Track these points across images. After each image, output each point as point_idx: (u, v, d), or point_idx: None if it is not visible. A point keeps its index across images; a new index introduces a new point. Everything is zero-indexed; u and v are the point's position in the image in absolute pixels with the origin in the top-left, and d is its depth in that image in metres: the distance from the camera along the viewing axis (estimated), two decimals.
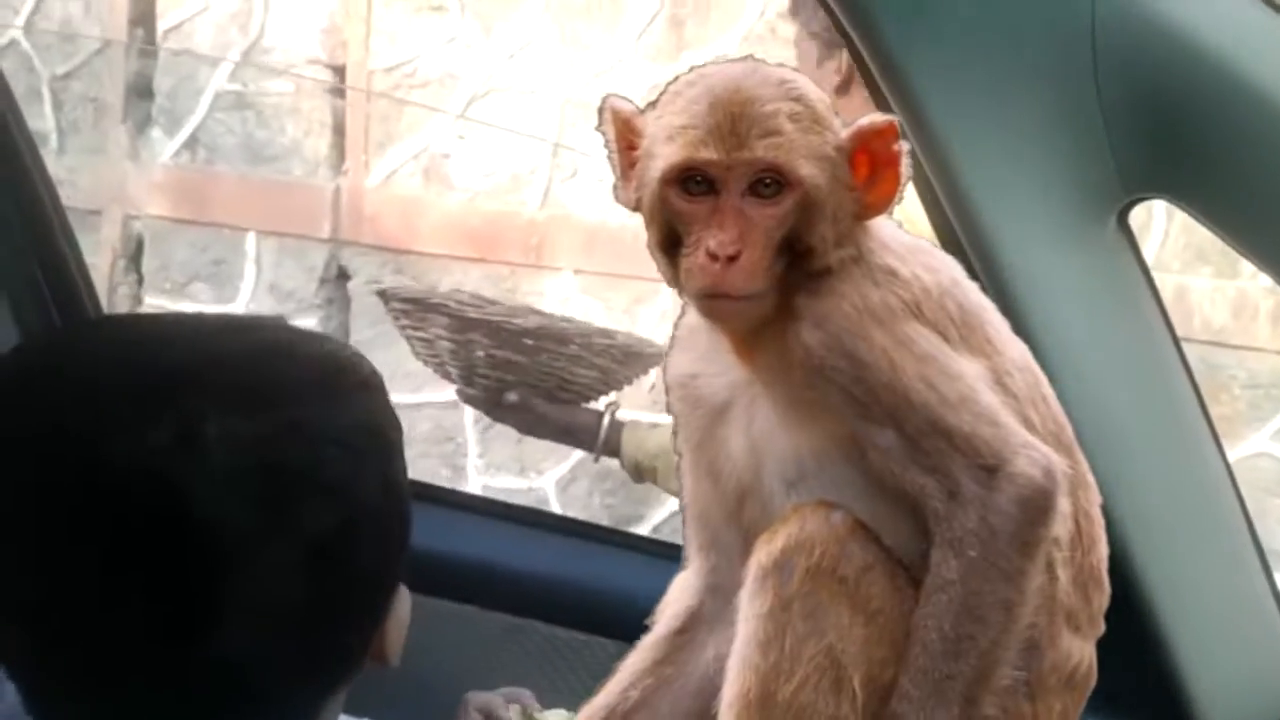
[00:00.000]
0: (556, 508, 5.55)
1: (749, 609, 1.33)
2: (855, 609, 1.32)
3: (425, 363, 3.04)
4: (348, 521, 1.21)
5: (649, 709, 1.42)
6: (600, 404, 3.03)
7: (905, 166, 1.34)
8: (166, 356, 1.22)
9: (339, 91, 5.97)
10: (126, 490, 1.16)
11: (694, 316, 1.39)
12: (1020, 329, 1.50)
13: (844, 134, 1.34)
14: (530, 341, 2.92)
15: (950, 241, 1.65)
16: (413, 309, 2.99)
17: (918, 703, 1.30)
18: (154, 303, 6.37)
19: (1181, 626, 1.73)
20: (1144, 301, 1.74)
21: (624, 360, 2.97)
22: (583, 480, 5.58)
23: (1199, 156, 1.64)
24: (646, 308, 5.36)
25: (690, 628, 1.44)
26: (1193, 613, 1.75)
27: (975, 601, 1.29)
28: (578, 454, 5.47)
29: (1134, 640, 1.68)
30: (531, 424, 3.05)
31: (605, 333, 3.08)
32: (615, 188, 1.38)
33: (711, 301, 1.33)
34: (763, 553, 1.33)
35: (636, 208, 1.37)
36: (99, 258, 6.41)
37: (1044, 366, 1.42)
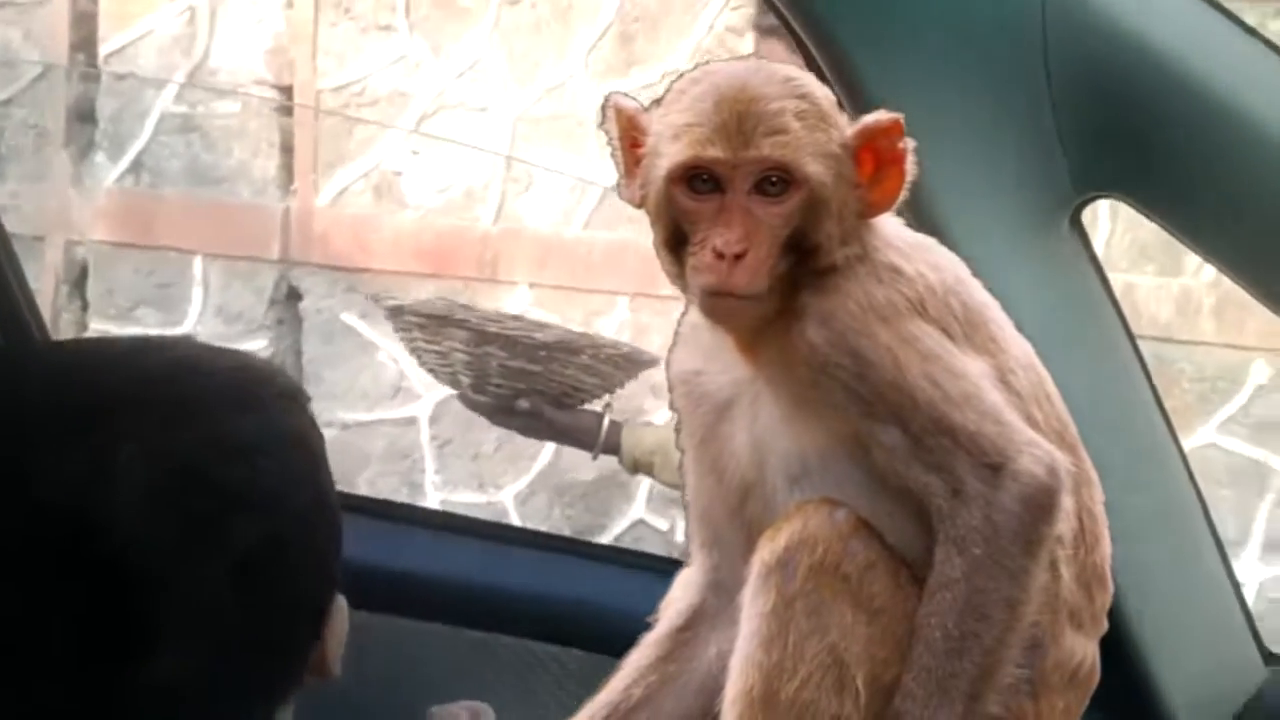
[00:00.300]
0: (516, 522, 5.54)
1: (752, 607, 1.32)
2: (858, 607, 1.31)
3: (432, 372, 3.31)
4: (276, 536, 1.19)
5: (652, 706, 1.41)
6: (598, 406, 3.21)
7: (910, 164, 1.34)
8: (80, 381, 1.20)
9: (286, 112, 5.96)
10: (46, 519, 1.14)
11: (697, 314, 1.38)
12: None
13: (849, 131, 1.34)
14: (544, 353, 3.14)
15: None
16: (429, 323, 3.24)
17: (921, 701, 1.29)
18: (99, 328, 6.31)
19: (1145, 619, 1.74)
20: (1099, 300, 1.75)
21: (625, 366, 3.17)
22: (541, 494, 5.59)
23: (1151, 155, 1.65)
24: (603, 319, 5.38)
25: (693, 625, 1.43)
26: (1156, 605, 1.75)
27: (979, 599, 1.29)
28: (537, 468, 5.49)
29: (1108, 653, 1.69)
30: (536, 428, 3.29)
31: (613, 343, 3.35)
32: (619, 185, 1.38)
33: (716, 300, 1.32)
34: (766, 550, 1.32)
35: (641, 205, 1.36)
36: (43, 283, 6.34)
37: None
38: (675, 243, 1.33)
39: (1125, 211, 1.75)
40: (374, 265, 5.83)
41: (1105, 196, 1.70)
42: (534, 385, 3.12)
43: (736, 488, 1.39)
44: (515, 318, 3.34)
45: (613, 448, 3.23)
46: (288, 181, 6.03)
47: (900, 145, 1.34)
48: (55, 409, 1.17)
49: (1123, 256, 4.95)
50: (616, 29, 5.56)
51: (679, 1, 5.55)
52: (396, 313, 3.34)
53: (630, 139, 1.36)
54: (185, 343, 1.31)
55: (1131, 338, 1.77)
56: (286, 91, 6.01)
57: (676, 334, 1.42)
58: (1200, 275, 4.92)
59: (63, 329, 6.30)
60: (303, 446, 1.24)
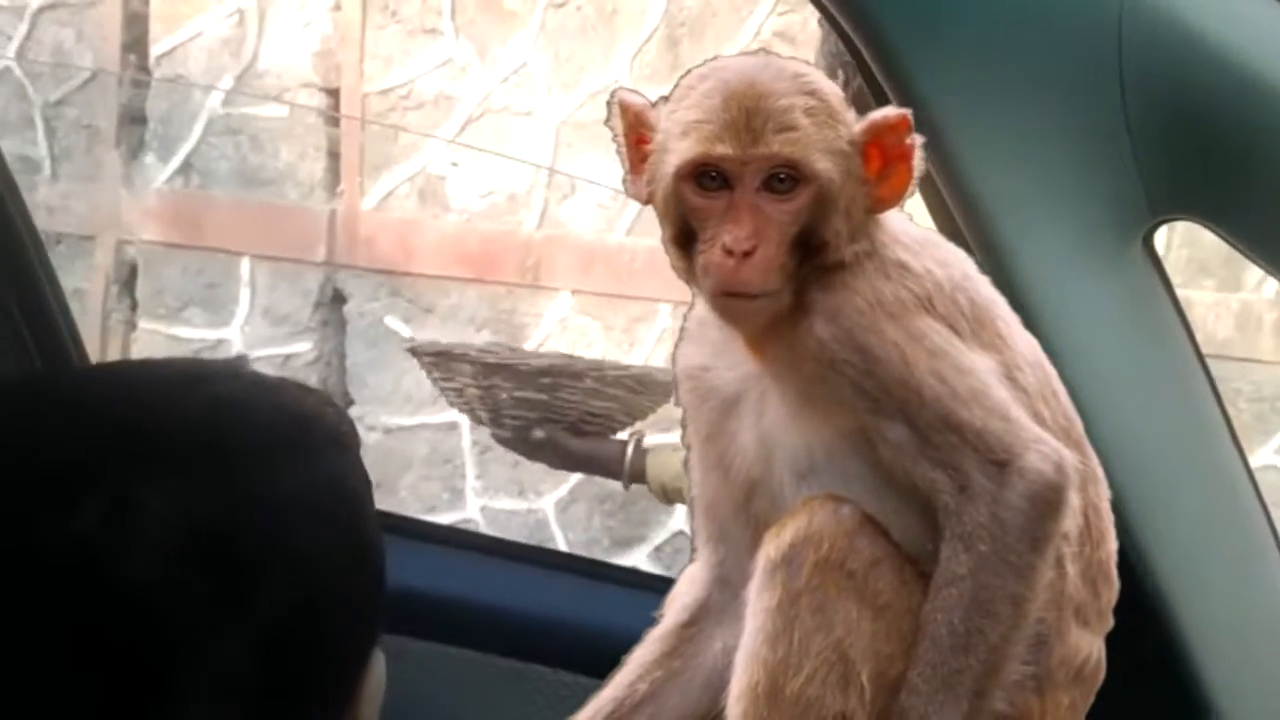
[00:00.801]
0: (556, 530, 5.54)
1: (757, 603, 1.32)
2: (863, 603, 1.31)
3: (459, 410, 3.27)
4: (310, 601, 1.08)
5: (657, 702, 1.42)
6: (625, 435, 3.19)
7: (918, 159, 1.34)
8: (100, 417, 1.08)
9: (332, 122, 5.97)
10: (52, 576, 1.02)
11: (704, 309, 1.38)
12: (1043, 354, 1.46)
13: (857, 127, 1.33)
14: (547, 380, 3.14)
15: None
16: (440, 360, 3.25)
17: (926, 696, 1.29)
18: (148, 327, 6.36)
19: (1210, 638, 1.70)
20: (1171, 323, 1.70)
21: (641, 389, 3.15)
22: (582, 502, 5.57)
23: (1229, 176, 1.59)
24: (645, 326, 5.36)
25: (698, 620, 1.43)
26: (1222, 624, 1.72)
27: (985, 596, 1.29)
28: (577, 476, 5.47)
29: (1164, 657, 1.65)
30: (561, 458, 3.27)
31: (618, 365, 3.30)
32: (624, 181, 1.38)
33: (726, 300, 1.32)
34: (771, 546, 1.32)
35: (648, 201, 1.36)
36: (93, 284, 6.40)
37: (1071, 394, 1.40)
38: (684, 240, 1.34)
39: (1183, 226, 1.70)
40: (417, 269, 5.83)
41: (1181, 219, 1.65)
42: (546, 414, 3.12)
43: (743, 483, 1.39)
44: (511, 348, 3.33)
45: (640, 475, 3.19)
46: (334, 184, 6.05)
47: (908, 141, 1.33)
48: (69, 449, 1.05)
49: (1179, 272, 4.87)
50: (662, 33, 5.53)
51: (725, 5, 5.51)
52: (414, 353, 3.37)
53: (636, 135, 1.36)
54: (227, 376, 1.13)
55: (1203, 361, 1.72)
56: (334, 94, 6.02)
57: (683, 329, 1.42)
58: (1262, 291, 4.83)
59: (112, 329, 6.35)
60: (346, 502, 1.12)
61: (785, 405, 1.35)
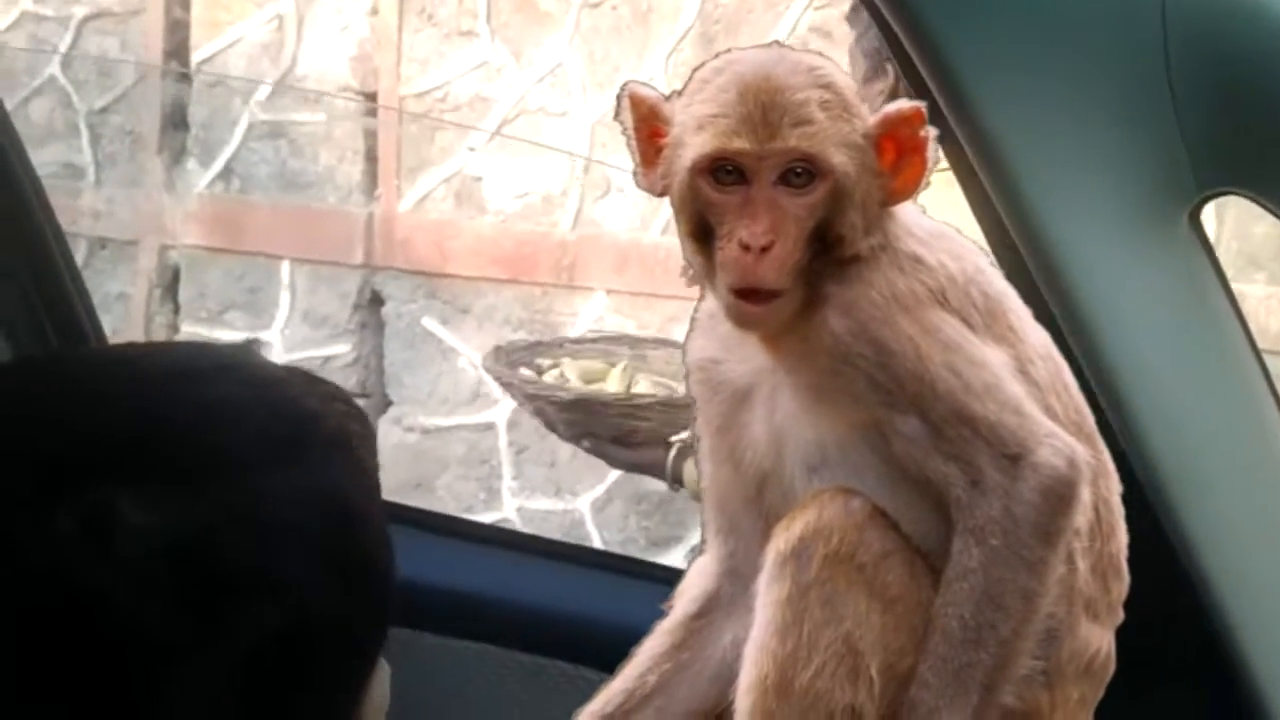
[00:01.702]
0: (592, 529, 5.54)
1: (767, 595, 1.32)
2: (873, 596, 1.31)
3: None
4: (296, 624, 1.00)
5: (665, 694, 1.41)
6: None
7: (932, 152, 1.33)
8: (80, 417, 1.00)
9: (370, 118, 6.00)
10: (20, 587, 0.96)
11: (714, 302, 1.37)
12: (1087, 339, 1.44)
13: (871, 120, 1.33)
14: (579, 412, 3.24)
15: (1005, 248, 1.56)
16: (502, 382, 3.47)
17: (937, 690, 1.29)
18: (190, 330, 6.42)
19: (1263, 644, 1.64)
20: (1219, 305, 1.64)
21: (669, 410, 3.28)
22: (618, 502, 5.57)
23: None
24: (680, 326, 5.32)
25: (708, 612, 1.43)
26: (1276, 631, 1.66)
27: (997, 590, 1.29)
28: (613, 475, 5.47)
29: (1209, 656, 1.61)
30: (611, 462, 3.38)
31: (646, 394, 3.40)
32: (635, 174, 1.37)
33: (741, 306, 1.32)
34: (781, 539, 1.32)
35: (662, 193, 1.36)
36: (136, 287, 6.47)
37: (1115, 379, 1.40)
38: (700, 235, 1.33)
39: (1232, 217, 1.65)
40: (454, 270, 5.85)
41: (1229, 193, 1.58)
42: (588, 430, 3.26)
43: (754, 476, 1.38)
44: (533, 381, 3.49)
45: (681, 477, 3.29)
46: (371, 187, 6.08)
47: (921, 133, 1.33)
48: (41, 454, 0.98)
49: (1230, 264, 4.79)
50: (697, 30, 5.52)
51: (760, 2, 5.49)
52: (491, 373, 3.58)
53: (649, 127, 1.35)
54: (225, 370, 1.05)
55: (1254, 345, 1.67)
56: (371, 98, 6.06)
57: (693, 321, 1.42)
58: None
59: (154, 333, 6.41)
60: (338, 514, 1.04)
61: (797, 398, 1.35)
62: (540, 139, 5.61)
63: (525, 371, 3.45)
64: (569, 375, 3.50)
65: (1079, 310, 1.51)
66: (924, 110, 1.34)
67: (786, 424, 1.36)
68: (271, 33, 6.22)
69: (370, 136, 6.07)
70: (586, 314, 5.60)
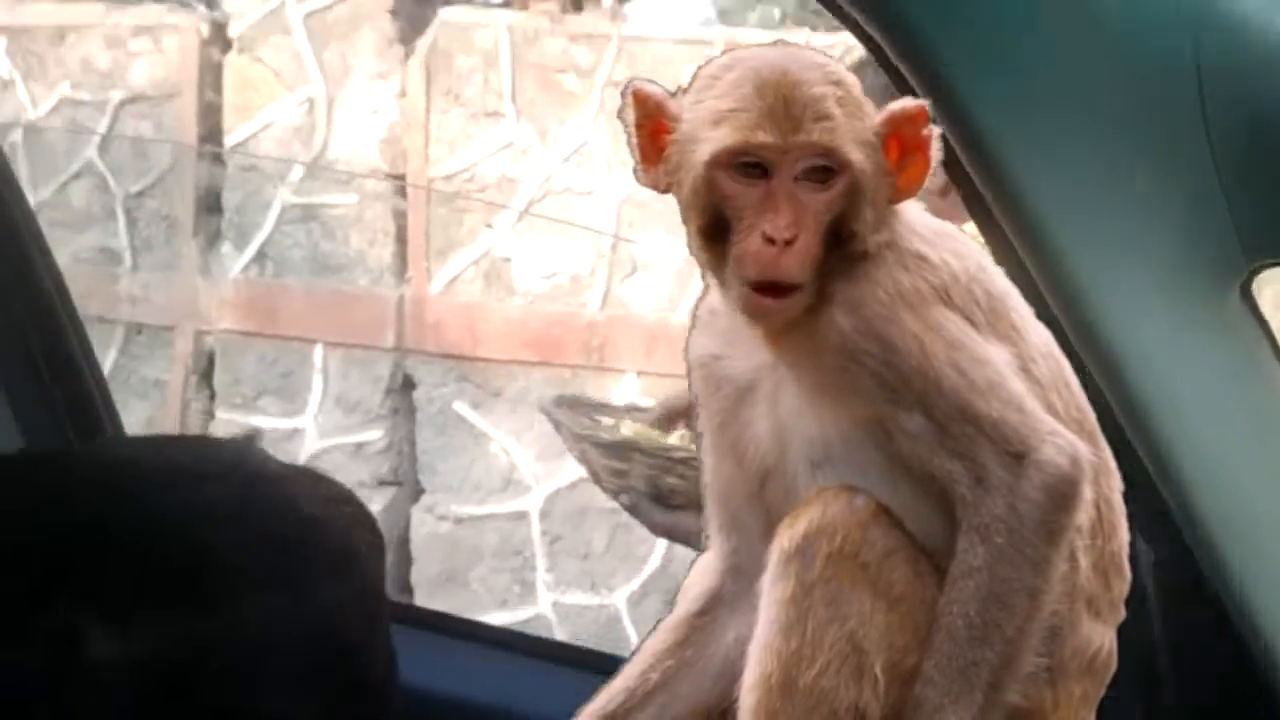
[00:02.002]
0: (628, 624, 5.46)
1: (771, 594, 1.32)
2: (877, 594, 1.31)
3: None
4: None
5: (668, 691, 1.40)
6: None
7: (935, 150, 1.34)
8: (64, 526, 0.94)
9: (400, 199, 5.99)
10: None
11: (715, 299, 1.38)
12: (1137, 418, 1.43)
13: (877, 118, 1.34)
14: (622, 455, 3.30)
15: (1049, 324, 1.48)
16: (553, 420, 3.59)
17: (942, 688, 1.28)
18: (225, 417, 6.41)
19: None
20: (1273, 377, 1.60)
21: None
22: (654, 596, 5.49)
23: None
24: None
25: (711, 609, 1.42)
26: None
27: (1001, 588, 1.28)
28: (648, 569, 5.39)
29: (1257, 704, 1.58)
30: (648, 525, 3.39)
31: (685, 447, 3.35)
32: (635, 171, 1.37)
33: (758, 300, 1.32)
34: (785, 537, 1.32)
35: (666, 190, 1.36)
36: (173, 374, 6.47)
37: (1169, 457, 1.39)
38: (714, 230, 1.33)
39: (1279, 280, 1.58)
40: (484, 353, 5.82)
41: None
42: (629, 480, 3.17)
43: (756, 472, 1.38)
44: (582, 423, 3.49)
45: None
46: (402, 269, 6.08)
47: (925, 132, 1.34)
48: (27, 559, 0.93)
49: (1274, 316, 4.63)
50: None
51: None
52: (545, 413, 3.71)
53: (654, 125, 1.35)
54: (227, 470, 1.00)
55: None
56: (400, 179, 6.04)
57: (694, 317, 1.42)
58: None
59: (190, 421, 6.40)
60: (337, 637, 0.98)
61: (801, 394, 1.35)
62: (567, 218, 5.56)
63: (581, 418, 3.47)
64: (624, 432, 3.52)
65: (1128, 393, 1.50)
66: (927, 108, 1.35)
67: (790, 420, 1.36)
68: (303, 115, 6.24)
69: (400, 218, 6.08)
70: (617, 396, 5.53)
